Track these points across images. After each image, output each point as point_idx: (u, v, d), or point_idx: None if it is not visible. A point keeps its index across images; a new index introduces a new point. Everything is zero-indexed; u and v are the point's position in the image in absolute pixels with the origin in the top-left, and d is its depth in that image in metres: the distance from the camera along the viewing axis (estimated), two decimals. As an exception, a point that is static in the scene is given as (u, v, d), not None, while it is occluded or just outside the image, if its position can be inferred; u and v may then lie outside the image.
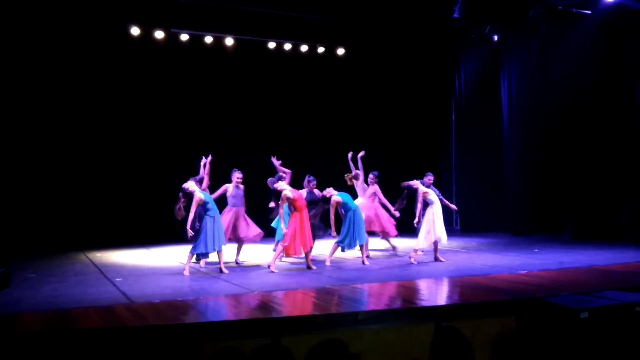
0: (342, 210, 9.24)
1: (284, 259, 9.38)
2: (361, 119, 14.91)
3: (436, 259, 9.28)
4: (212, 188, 9.33)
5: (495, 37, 14.21)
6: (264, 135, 13.81)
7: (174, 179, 12.97)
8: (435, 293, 6.85)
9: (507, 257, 9.58)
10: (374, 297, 6.23)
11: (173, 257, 10.29)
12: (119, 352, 4.61)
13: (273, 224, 9.79)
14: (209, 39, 13.40)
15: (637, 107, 11.25)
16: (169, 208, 12.73)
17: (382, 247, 11.15)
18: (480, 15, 12.95)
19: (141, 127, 12.92)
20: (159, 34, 12.84)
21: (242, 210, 9.39)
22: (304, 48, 14.30)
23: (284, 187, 8.77)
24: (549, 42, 12.81)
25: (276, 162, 9.82)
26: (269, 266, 8.50)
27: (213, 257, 8.86)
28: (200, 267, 8.83)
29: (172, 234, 12.15)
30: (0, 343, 4.46)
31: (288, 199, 8.58)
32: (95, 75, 12.44)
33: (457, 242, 12.02)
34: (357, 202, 9.96)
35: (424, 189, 9.37)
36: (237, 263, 9.31)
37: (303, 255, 8.72)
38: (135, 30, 12.62)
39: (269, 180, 9.38)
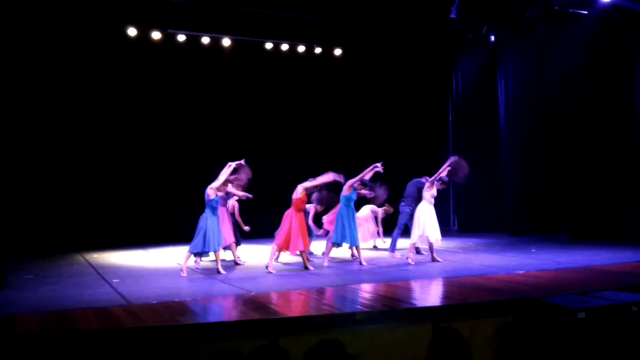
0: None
1: (280, 259, 9.41)
2: (358, 120, 14.93)
3: (433, 260, 9.29)
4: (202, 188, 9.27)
5: (492, 38, 14.23)
6: (262, 136, 13.82)
7: (171, 179, 13.11)
8: (433, 293, 6.84)
9: (504, 258, 9.59)
10: (372, 297, 6.23)
11: (170, 258, 10.27)
12: (117, 354, 4.60)
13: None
14: (205, 40, 13.37)
15: (633, 107, 11.28)
16: (166, 209, 12.92)
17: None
18: (477, 15, 12.99)
19: (138, 128, 12.91)
20: (156, 35, 12.82)
21: (224, 211, 9.34)
22: (301, 49, 14.30)
23: (306, 183, 8.88)
24: (545, 43, 12.85)
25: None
26: (266, 267, 8.51)
27: (212, 257, 8.86)
28: (197, 268, 8.80)
29: (169, 235, 12.24)
30: (-3, 345, 4.44)
31: (303, 189, 8.71)
32: (93, 76, 12.43)
33: (455, 243, 12.03)
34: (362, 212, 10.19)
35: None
36: (236, 264, 9.30)
37: (298, 254, 8.76)
38: (132, 31, 12.60)
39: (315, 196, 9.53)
